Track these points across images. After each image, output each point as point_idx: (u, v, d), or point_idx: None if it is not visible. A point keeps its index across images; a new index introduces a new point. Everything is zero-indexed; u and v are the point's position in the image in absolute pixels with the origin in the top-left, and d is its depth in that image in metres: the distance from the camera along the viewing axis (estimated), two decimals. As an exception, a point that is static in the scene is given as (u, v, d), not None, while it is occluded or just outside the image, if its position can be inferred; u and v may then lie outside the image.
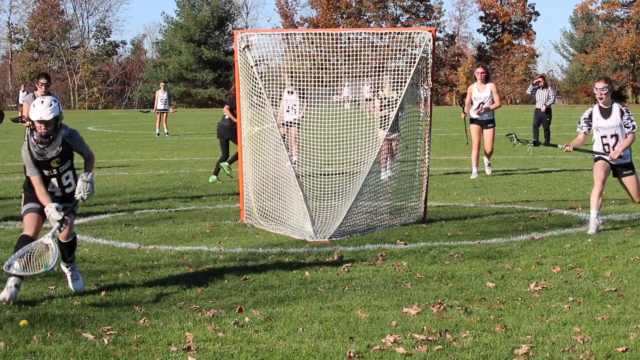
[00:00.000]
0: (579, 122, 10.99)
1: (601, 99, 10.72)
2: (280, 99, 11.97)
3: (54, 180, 7.78)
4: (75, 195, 7.74)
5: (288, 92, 17.05)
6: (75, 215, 7.98)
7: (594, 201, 10.73)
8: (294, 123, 18.30)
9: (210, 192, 15.15)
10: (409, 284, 8.10)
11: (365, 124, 11.87)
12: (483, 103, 17.26)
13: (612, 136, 10.77)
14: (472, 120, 17.48)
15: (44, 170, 7.74)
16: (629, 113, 10.77)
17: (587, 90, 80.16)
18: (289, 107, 17.28)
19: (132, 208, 13.34)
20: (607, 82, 10.76)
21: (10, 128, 34.58)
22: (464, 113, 17.72)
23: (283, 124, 17.96)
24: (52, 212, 7.60)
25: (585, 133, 10.95)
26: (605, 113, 10.79)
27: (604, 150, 10.81)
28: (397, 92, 11.80)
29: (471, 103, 17.44)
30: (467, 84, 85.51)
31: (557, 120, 39.85)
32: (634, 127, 10.76)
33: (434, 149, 21.26)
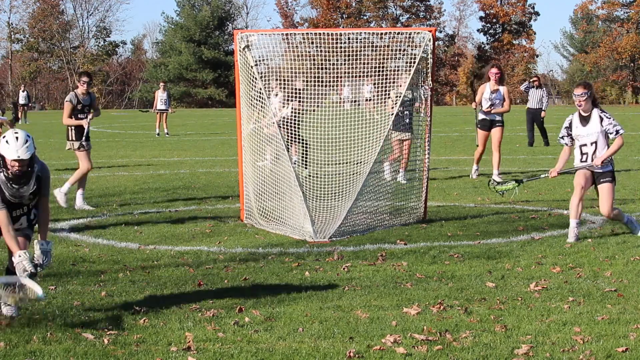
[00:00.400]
0: (560, 133, 10.58)
1: (580, 105, 10.25)
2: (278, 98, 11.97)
3: (23, 219, 7.00)
4: (35, 261, 6.81)
5: (274, 94, 17.17)
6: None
7: (573, 210, 10.29)
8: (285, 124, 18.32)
9: (210, 192, 15.15)
10: (409, 284, 8.09)
11: (365, 124, 11.87)
12: (493, 105, 16.69)
13: (591, 144, 10.28)
14: (480, 122, 16.90)
15: (14, 210, 6.91)
16: (609, 118, 10.24)
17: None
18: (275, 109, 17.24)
19: (132, 208, 13.35)
20: (586, 88, 10.25)
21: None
22: (475, 103, 17.06)
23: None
24: (25, 261, 6.70)
25: (567, 144, 10.49)
26: (584, 120, 10.30)
27: (582, 160, 10.35)
28: (397, 93, 11.81)
29: (480, 103, 16.83)
30: (467, 84, 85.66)
31: (557, 120, 39.82)
32: (617, 131, 10.23)
33: (434, 149, 21.25)
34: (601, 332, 6.46)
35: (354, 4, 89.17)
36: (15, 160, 6.67)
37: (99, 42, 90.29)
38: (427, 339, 6.27)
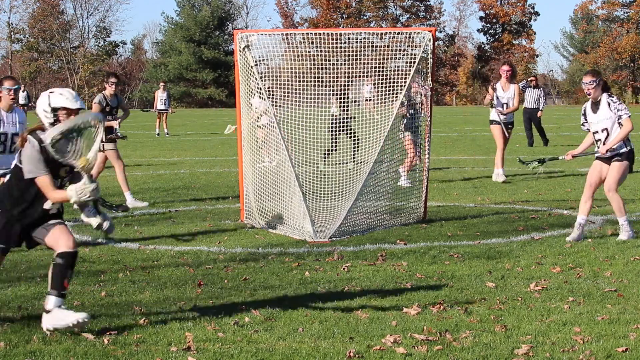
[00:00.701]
0: (580, 120, 10.65)
1: (589, 93, 10.26)
2: (279, 98, 11.96)
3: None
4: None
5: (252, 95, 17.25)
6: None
7: (581, 206, 10.39)
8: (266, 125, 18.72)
9: (210, 192, 15.15)
10: (409, 284, 8.09)
11: (366, 124, 11.87)
12: (507, 104, 16.29)
13: (602, 130, 10.28)
14: (493, 122, 16.53)
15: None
16: (615, 103, 10.23)
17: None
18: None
19: (133, 208, 13.34)
20: (594, 76, 10.27)
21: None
22: (489, 97, 16.45)
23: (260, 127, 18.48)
24: (74, 192, 6.42)
25: (588, 130, 10.48)
26: (595, 107, 10.34)
27: (598, 146, 10.38)
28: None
29: (492, 99, 16.32)
30: (467, 84, 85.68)
31: (557, 120, 39.85)
32: (620, 116, 10.18)
33: (434, 149, 21.25)
34: (601, 332, 6.45)
35: (354, 4, 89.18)
36: (77, 109, 6.57)
37: (99, 42, 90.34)
38: (427, 339, 6.27)
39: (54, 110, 6.55)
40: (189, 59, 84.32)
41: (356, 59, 11.86)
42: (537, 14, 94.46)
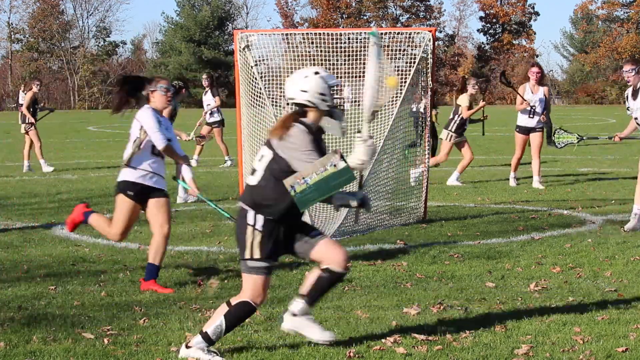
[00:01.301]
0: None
1: (628, 81, 10.73)
2: (279, 98, 11.97)
3: None
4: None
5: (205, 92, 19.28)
6: None
7: (637, 197, 10.72)
8: (215, 124, 19.82)
9: (210, 192, 15.14)
10: (409, 284, 8.09)
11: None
12: (535, 107, 15.60)
13: None
14: (519, 127, 15.98)
15: None
16: None
17: (587, 90, 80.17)
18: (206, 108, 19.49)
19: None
20: (633, 64, 10.71)
21: (10, 128, 34.50)
22: (526, 103, 15.71)
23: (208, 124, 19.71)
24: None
25: (632, 115, 10.86)
26: (635, 93, 10.75)
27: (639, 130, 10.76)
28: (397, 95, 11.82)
29: (522, 103, 15.75)
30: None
31: (558, 121, 39.80)
32: None
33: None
34: (601, 332, 6.45)
35: (354, 4, 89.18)
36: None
37: (99, 42, 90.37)
38: (427, 339, 6.27)
39: (332, 89, 5.86)
40: (189, 59, 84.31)
41: (356, 59, 11.86)
42: (537, 14, 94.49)
